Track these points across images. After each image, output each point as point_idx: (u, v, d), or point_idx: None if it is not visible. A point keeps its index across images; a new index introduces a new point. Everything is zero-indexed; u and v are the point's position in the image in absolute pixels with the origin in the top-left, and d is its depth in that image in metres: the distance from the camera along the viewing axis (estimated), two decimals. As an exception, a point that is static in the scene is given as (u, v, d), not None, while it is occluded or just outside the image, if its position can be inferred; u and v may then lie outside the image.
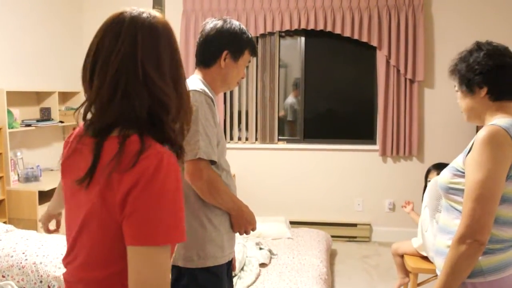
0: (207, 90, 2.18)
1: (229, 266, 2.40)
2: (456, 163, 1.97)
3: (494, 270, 1.84)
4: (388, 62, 5.72)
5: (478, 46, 2.03)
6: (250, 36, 2.34)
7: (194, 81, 2.24)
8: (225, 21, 2.32)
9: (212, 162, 2.14)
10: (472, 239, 1.77)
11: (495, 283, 1.84)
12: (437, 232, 2.12)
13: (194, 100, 2.11)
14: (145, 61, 1.29)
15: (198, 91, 2.14)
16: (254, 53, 2.38)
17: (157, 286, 1.18)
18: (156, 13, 1.38)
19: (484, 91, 1.98)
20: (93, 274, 1.30)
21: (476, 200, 1.79)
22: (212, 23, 2.32)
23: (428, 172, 4.11)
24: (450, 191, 1.97)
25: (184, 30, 5.93)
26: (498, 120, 1.89)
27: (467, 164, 1.88)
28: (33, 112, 5.14)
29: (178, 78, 1.37)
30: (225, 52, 2.27)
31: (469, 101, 2.05)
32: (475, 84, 2.00)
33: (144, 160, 1.21)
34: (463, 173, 1.90)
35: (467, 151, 1.91)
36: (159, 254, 1.19)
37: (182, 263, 2.15)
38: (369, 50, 5.92)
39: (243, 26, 2.33)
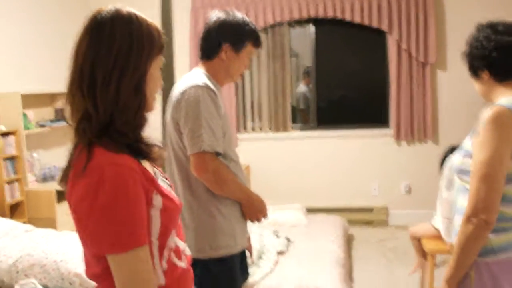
0: (209, 83, 2.19)
1: (243, 256, 2.41)
2: (466, 144, 1.97)
3: (505, 248, 1.84)
4: (399, 46, 5.69)
5: (478, 28, 2.02)
6: (253, 27, 2.33)
7: (197, 75, 2.25)
8: (227, 13, 2.33)
9: (218, 154, 2.16)
10: (478, 218, 1.78)
11: (507, 261, 1.84)
12: (455, 214, 2.12)
13: (197, 95, 2.13)
14: (96, 65, 1.28)
15: (200, 85, 2.15)
16: (257, 44, 2.37)
17: None
18: (122, 9, 1.34)
19: (486, 74, 1.97)
20: (92, 270, 1.35)
21: (481, 180, 1.79)
22: (215, 16, 2.33)
23: (444, 158, 4.07)
24: (462, 172, 1.97)
25: (194, 26, 5.94)
26: (503, 100, 1.87)
27: (473, 145, 1.88)
28: (48, 113, 5.20)
29: (136, 82, 1.32)
30: (226, 45, 2.27)
31: (479, 85, 2.05)
32: (477, 68, 2.00)
33: (88, 175, 1.24)
34: (472, 153, 1.90)
35: (475, 132, 1.91)
36: (125, 261, 1.24)
37: (194, 255, 2.15)
38: (379, 35, 5.88)
39: (246, 18, 2.33)
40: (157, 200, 1.33)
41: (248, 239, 2.47)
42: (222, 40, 2.27)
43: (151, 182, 1.34)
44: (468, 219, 1.80)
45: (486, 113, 1.84)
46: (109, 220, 1.21)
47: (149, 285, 1.27)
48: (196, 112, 2.10)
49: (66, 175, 1.33)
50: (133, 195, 1.24)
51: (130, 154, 1.31)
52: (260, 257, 3.93)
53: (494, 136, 1.78)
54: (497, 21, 1.99)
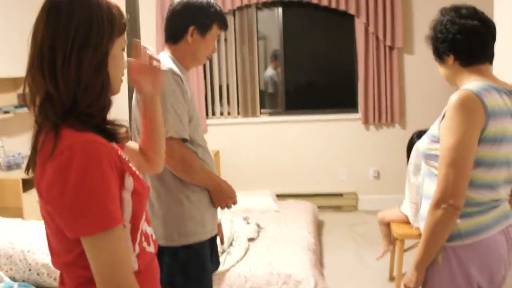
0: (174, 68, 2.15)
1: (214, 242, 2.39)
2: (433, 129, 1.99)
3: (472, 233, 1.86)
4: (366, 30, 5.71)
5: (442, 12, 2.02)
6: (218, 9, 2.29)
7: (162, 59, 2.20)
8: None
9: (184, 140, 2.13)
10: (447, 203, 1.80)
11: (473, 246, 1.86)
12: (421, 199, 2.14)
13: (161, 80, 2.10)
14: (55, 45, 1.25)
15: (165, 70, 2.09)
16: (223, 26, 2.33)
17: (112, 274, 1.22)
18: None
19: (451, 58, 1.98)
20: (63, 259, 1.32)
21: (449, 165, 1.81)
22: None
23: (411, 143, 4.10)
24: (429, 157, 1.99)
25: (160, 7, 5.86)
26: (469, 84, 1.88)
27: (440, 130, 1.89)
28: (11, 98, 5.07)
29: (97, 62, 1.29)
30: (191, 28, 2.23)
31: (443, 69, 2.06)
32: (441, 52, 2.00)
33: (56, 157, 1.21)
34: (439, 139, 1.91)
35: (442, 117, 1.92)
36: (102, 242, 1.21)
37: (163, 242, 2.14)
38: (347, 19, 5.89)
39: (211, 0, 2.28)
40: (129, 182, 1.32)
41: (219, 226, 2.46)
42: (188, 23, 2.23)
43: (124, 163, 1.32)
44: (436, 205, 1.83)
45: (453, 98, 1.84)
46: (83, 200, 1.18)
47: (128, 266, 1.25)
48: (161, 97, 2.03)
49: (33, 162, 1.30)
50: (107, 171, 1.22)
51: (98, 135, 1.28)
52: (230, 244, 3.93)
53: (461, 121, 1.80)
54: (461, 5, 1.99)
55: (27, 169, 1.32)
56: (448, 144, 1.82)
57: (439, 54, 2.02)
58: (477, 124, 1.80)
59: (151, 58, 1.61)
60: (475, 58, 1.95)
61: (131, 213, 1.33)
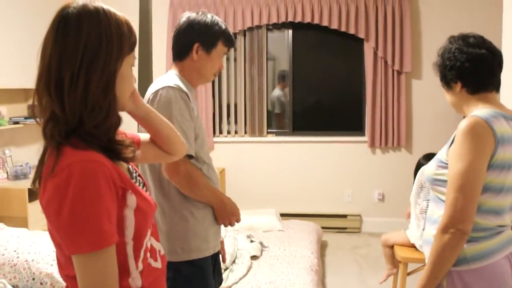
0: (181, 85, 2.16)
1: (216, 259, 2.40)
2: (441, 154, 2.00)
3: (478, 258, 1.87)
4: (375, 54, 5.75)
5: (450, 41, 2.06)
6: (223, 27, 2.30)
7: (169, 77, 2.23)
8: (197, 13, 2.30)
9: (190, 157, 2.14)
10: (455, 228, 1.81)
11: (479, 271, 1.87)
12: (425, 223, 2.15)
13: (168, 96, 2.10)
14: (63, 63, 1.24)
15: (172, 86, 2.12)
16: (229, 44, 2.34)
17: None
18: (89, 4, 1.29)
19: (458, 86, 2.02)
20: (66, 272, 1.32)
21: (458, 191, 1.82)
22: (185, 17, 2.30)
23: (418, 166, 4.12)
24: (436, 182, 2.00)
25: (172, 23, 5.92)
26: (478, 111, 1.91)
27: (449, 155, 1.91)
28: (21, 109, 5.11)
29: (105, 82, 1.28)
30: (196, 45, 2.25)
31: (450, 96, 2.10)
32: (449, 80, 2.04)
33: (56, 175, 1.20)
34: (447, 164, 1.92)
35: (450, 143, 1.94)
36: (92, 261, 1.19)
37: (167, 258, 2.13)
38: (356, 42, 5.93)
39: (216, 18, 2.31)
40: (132, 200, 1.31)
41: (221, 243, 2.46)
42: (192, 40, 2.25)
43: (126, 181, 1.31)
44: (444, 229, 1.83)
45: (462, 124, 1.87)
46: (78, 219, 1.17)
47: (114, 286, 1.24)
48: (167, 114, 2.05)
49: (39, 176, 1.29)
50: (103, 190, 1.20)
51: (102, 153, 1.27)
52: (233, 262, 3.93)
53: (470, 147, 1.82)
54: (469, 34, 2.04)
55: (33, 182, 1.31)
56: (457, 169, 1.83)
57: (447, 81, 2.06)
58: (486, 150, 1.82)
59: None
60: (482, 86, 1.99)
61: (133, 230, 1.32)
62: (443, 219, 1.85)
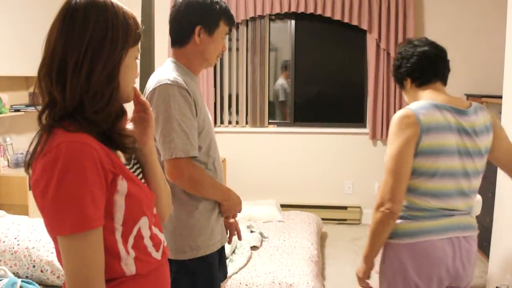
0: (180, 80, 2.05)
1: (221, 252, 2.37)
2: None
3: (409, 234, 2.07)
4: (378, 46, 5.73)
5: (399, 46, 2.31)
6: (223, 5, 2.17)
7: (166, 71, 2.10)
8: None
9: (193, 156, 2.05)
10: (385, 207, 2.02)
11: (409, 246, 2.07)
12: None
13: (166, 95, 2.00)
14: (67, 51, 1.25)
15: (170, 84, 2.01)
16: (230, 22, 2.21)
17: (80, 278, 1.20)
18: None
19: (408, 82, 2.24)
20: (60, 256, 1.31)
21: (388, 173, 2.04)
22: None
23: None
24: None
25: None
26: (413, 104, 2.11)
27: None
28: (22, 97, 5.10)
29: (109, 71, 1.29)
30: (198, 28, 2.12)
31: (405, 95, 2.34)
32: (401, 78, 2.27)
33: (44, 155, 1.20)
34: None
35: None
36: (75, 244, 1.19)
37: (173, 256, 2.08)
38: (359, 34, 5.91)
39: None
40: (122, 186, 1.30)
41: (236, 223, 2.43)
42: (193, 23, 2.11)
43: (118, 167, 1.30)
44: (377, 208, 2.05)
45: (394, 116, 2.09)
46: (61, 199, 1.17)
47: (98, 272, 1.23)
48: (166, 114, 1.98)
49: (30, 162, 1.29)
50: (89, 172, 1.19)
51: (98, 139, 1.27)
52: (233, 252, 3.94)
53: (396, 135, 2.03)
54: (413, 38, 2.30)
55: (25, 167, 1.30)
56: (388, 154, 2.06)
57: (400, 81, 2.29)
58: (409, 139, 2.01)
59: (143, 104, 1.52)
60: (428, 78, 2.19)
61: (123, 216, 1.31)
62: (377, 199, 2.06)
